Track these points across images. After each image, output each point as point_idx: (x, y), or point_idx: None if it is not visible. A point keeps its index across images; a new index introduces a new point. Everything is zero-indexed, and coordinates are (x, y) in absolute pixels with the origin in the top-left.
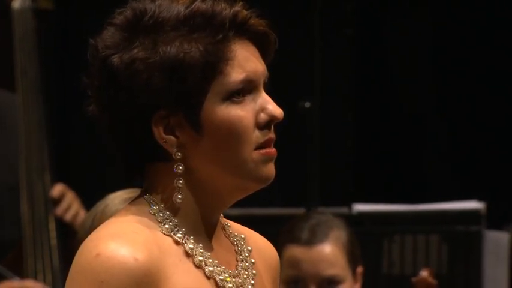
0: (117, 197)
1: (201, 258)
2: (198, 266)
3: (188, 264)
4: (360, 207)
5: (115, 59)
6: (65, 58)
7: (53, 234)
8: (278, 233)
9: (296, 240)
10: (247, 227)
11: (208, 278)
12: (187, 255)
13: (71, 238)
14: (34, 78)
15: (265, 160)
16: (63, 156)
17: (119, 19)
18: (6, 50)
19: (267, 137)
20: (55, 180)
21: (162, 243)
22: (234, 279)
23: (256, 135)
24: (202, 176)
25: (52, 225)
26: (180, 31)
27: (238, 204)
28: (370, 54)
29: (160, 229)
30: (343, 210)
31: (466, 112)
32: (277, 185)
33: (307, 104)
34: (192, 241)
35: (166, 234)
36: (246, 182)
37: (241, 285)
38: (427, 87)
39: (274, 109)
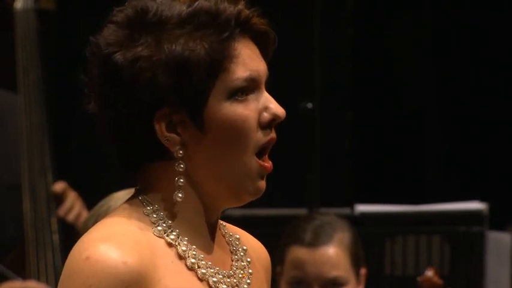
0: (120, 198)
1: (193, 260)
2: (191, 268)
3: (180, 267)
4: (362, 207)
5: (118, 56)
6: (67, 58)
7: (55, 234)
8: (280, 233)
9: (300, 242)
10: (249, 227)
11: (200, 280)
12: (180, 257)
13: (73, 238)
14: (36, 79)
15: (261, 174)
16: (65, 157)
17: (119, 17)
18: (8, 50)
19: (269, 137)
20: (57, 180)
21: (154, 245)
22: (228, 280)
23: (259, 136)
24: (199, 178)
25: (54, 226)
26: (184, 29)
27: None
28: (371, 55)
29: (152, 231)
30: (345, 210)
31: (468, 112)
32: (279, 185)
33: (309, 105)
34: (185, 243)
35: (158, 236)
36: (238, 192)
37: (237, 285)
38: (429, 87)
39: (276, 108)
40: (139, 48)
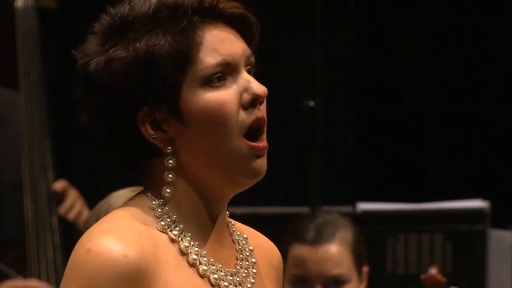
0: (120, 197)
1: (195, 256)
2: (192, 265)
3: (182, 262)
4: (364, 206)
5: (92, 63)
6: (68, 57)
7: (56, 233)
8: (282, 232)
9: (302, 240)
10: (251, 225)
11: (201, 276)
12: (182, 253)
13: (74, 237)
14: (37, 77)
15: (255, 154)
16: (66, 155)
17: (97, 27)
18: (9, 49)
19: (253, 117)
20: (58, 178)
21: (157, 239)
22: (231, 278)
23: (242, 118)
24: (193, 170)
25: (55, 224)
26: (148, 26)
27: (242, 203)
28: (372, 54)
29: (156, 225)
30: (348, 209)
31: (470, 111)
32: (281, 184)
33: (311, 103)
34: (188, 239)
35: (161, 231)
36: (234, 176)
37: (240, 284)
38: (430, 86)
39: (257, 88)
40: (110, 52)
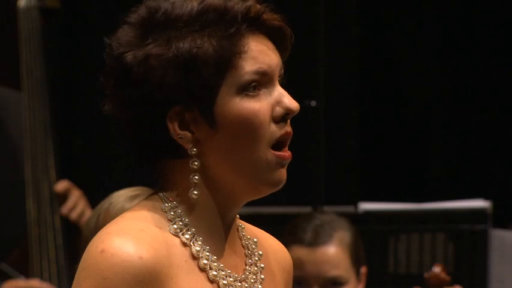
0: (121, 196)
1: (205, 261)
2: (203, 269)
3: (193, 267)
4: (366, 205)
5: (129, 56)
6: (71, 57)
7: (58, 233)
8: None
9: (299, 241)
10: (254, 225)
11: (211, 282)
12: (193, 257)
13: (76, 237)
14: (39, 77)
15: (280, 164)
16: (69, 155)
17: (133, 17)
18: (12, 48)
19: (283, 131)
20: (61, 178)
21: (169, 242)
22: (239, 284)
23: (273, 130)
24: (216, 174)
25: (58, 224)
26: (193, 27)
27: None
28: (376, 54)
29: (168, 228)
30: (349, 208)
31: (471, 110)
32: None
33: (313, 103)
34: (199, 243)
35: (173, 234)
36: (257, 184)
37: None
38: (433, 85)
39: (290, 102)
40: (149, 47)
